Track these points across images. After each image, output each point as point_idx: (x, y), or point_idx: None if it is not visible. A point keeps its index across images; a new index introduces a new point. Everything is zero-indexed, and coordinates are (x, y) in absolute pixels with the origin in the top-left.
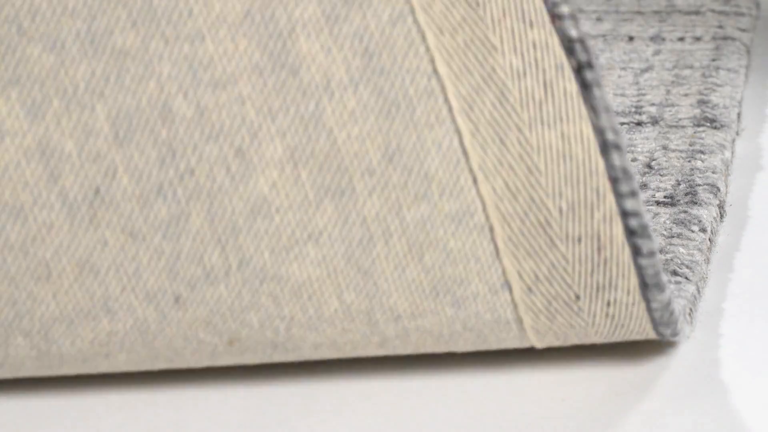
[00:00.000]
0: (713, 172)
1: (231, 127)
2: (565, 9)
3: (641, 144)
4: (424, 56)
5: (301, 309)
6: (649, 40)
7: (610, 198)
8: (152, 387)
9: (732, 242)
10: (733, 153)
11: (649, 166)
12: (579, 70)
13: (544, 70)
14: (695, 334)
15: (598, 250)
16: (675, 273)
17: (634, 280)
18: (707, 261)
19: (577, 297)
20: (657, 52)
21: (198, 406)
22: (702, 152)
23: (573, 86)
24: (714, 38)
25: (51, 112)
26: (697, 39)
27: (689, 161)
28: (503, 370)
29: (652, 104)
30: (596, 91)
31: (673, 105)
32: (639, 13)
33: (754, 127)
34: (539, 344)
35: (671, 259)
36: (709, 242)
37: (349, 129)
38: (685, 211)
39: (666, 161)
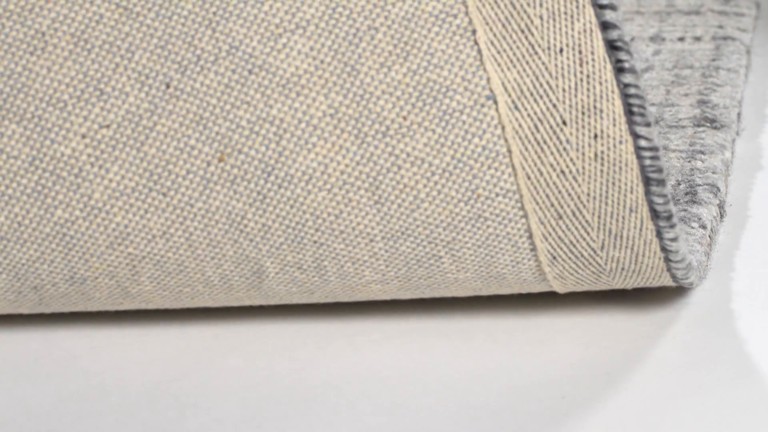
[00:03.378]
0: (713, 173)
1: None
2: None
3: None
4: None
5: (289, 110)
6: (649, 40)
7: (590, 10)
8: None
9: (732, 242)
10: (733, 153)
11: None
12: None
13: None
14: (694, 330)
15: (580, 63)
16: None
17: (618, 105)
18: (707, 254)
19: (564, 122)
20: (657, 52)
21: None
22: (702, 152)
23: None
24: (714, 38)
25: None
26: (697, 39)
27: (689, 161)
28: (515, 330)
29: (652, 104)
30: None
31: (673, 105)
32: (639, 13)
33: (754, 127)
34: (535, 223)
35: None
36: (709, 238)
37: None
38: (685, 210)
39: (666, 161)
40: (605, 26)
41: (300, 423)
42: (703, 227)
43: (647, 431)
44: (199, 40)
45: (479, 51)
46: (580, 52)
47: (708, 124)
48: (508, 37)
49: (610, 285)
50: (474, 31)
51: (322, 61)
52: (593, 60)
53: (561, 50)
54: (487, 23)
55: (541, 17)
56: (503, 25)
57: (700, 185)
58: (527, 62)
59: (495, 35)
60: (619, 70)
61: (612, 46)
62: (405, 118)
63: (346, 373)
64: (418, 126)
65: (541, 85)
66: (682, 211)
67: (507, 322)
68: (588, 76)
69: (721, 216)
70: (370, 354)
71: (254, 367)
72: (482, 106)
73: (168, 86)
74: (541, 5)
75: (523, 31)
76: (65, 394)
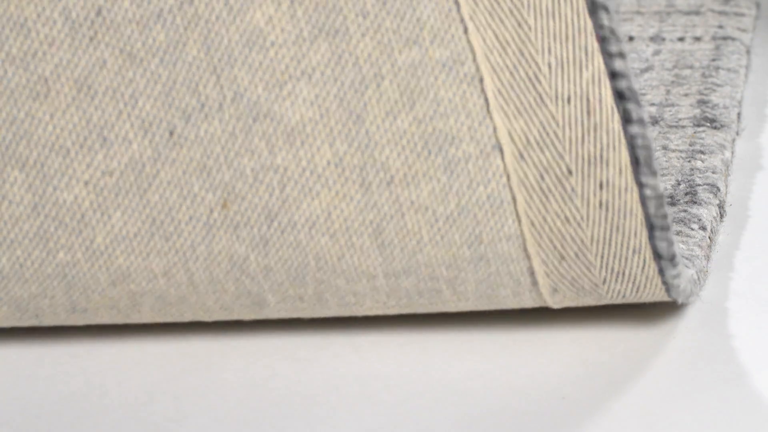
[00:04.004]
0: (713, 172)
1: None
2: None
3: None
4: None
5: (294, 158)
6: (649, 40)
7: (599, 58)
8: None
9: (732, 242)
10: (733, 153)
11: None
12: None
13: None
14: (694, 330)
15: (588, 113)
16: None
17: (624, 155)
18: (707, 257)
19: (570, 172)
20: (657, 52)
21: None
22: (702, 152)
23: None
24: (714, 38)
25: None
26: (697, 39)
27: (689, 161)
28: (515, 330)
29: (652, 104)
30: None
31: (673, 105)
32: (639, 13)
33: (754, 127)
34: (538, 263)
35: None
36: (708, 240)
37: None
38: (685, 210)
39: (666, 161)
40: (614, 75)
41: (300, 423)
42: (703, 229)
43: (647, 431)
44: (203, 87)
45: (486, 100)
46: (588, 102)
47: (708, 124)
48: (515, 86)
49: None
50: (481, 80)
51: (327, 109)
52: (601, 110)
53: (569, 99)
54: (495, 71)
55: (549, 65)
56: (511, 74)
57: (699, 185)
58: (535, 112)
59: (503, 84)
60: (626, 120)
61: (620, 96)
62: (410, 167)
63: (346, 373)
64: (423, 175)
65: (548, 134)
66: (682, 212)
67: (508, 324)
68: (595, 126)
69: (721, 216)
70: (370, 354)
71: (254, 367)
72: (488, 155)
73: (172, 133)
74: (549, 53)
75: (531, 80)
76: (65, 394)
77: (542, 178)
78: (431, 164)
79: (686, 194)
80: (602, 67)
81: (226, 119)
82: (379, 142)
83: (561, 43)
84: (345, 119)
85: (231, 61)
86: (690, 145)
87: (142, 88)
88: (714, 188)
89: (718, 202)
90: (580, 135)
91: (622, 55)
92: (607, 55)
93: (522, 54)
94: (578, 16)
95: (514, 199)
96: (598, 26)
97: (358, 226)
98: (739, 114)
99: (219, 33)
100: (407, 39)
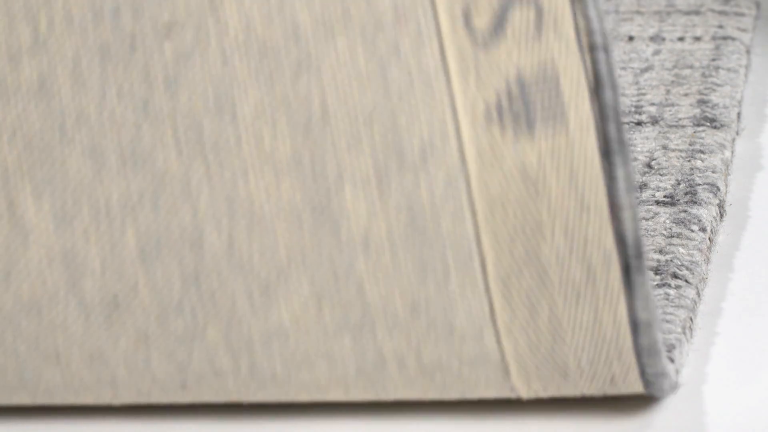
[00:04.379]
0: (713, 172)
1: (260, 264)
2: (625, 200)
3: (641, 144)
4: (470, 230)
5: (307, 397)
6: (649, 40)
7: (630, 347)
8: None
9: (732, 242)
10: (733, 153)
11: (649, 166)
12: (626, 265)
13: (590, 261)
14: (693, 330)
15: (611, 382)
16: (675, 276)
17: (638, 384)
18: (707, 261)
19: (577, 387)
20: (657, 52)
21: None
22: (702, 152)
23: (617, 279)
24: (714, 38)
25: (80, 223)
26: (697, 39)
27: (689, 161)
28: (487, 419)
29: (652, 104)
30: (639, 287)
31: (673, 105)
32: (639, 13)
33: (754, 127)
34: (525, 394)
35: (671, 260)
36: (708, 242)
37: (380, 287)
38: (685, 211)
39: (666, 161)
40: (641, 363)
41: (300, 423)
42: (703, 230)
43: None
44: (219, 362)
45: (511, 382)
46: (611, 375)
47: (708, 124)
48: (543, 379)
49: None
50: (509, 373)
51: (346, 382)
52: (626, 378)
53: (593, 379)
54: (523, 370)
55: (579, 365)
56: (538, 369)
57: (699, 185)
58: (557, 387)
59: (530, 382)
60: (644, 370)
61: (642, 368)
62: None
63: (330, 415)
64: (428, 387)
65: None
66: (682, 212)
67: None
68: (613, 380)
69: (721, 216)
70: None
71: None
72: (497, 373)
73: (184, 386)
74: (582, 354)
75: (560, 375)
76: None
77: (546, 388)
78: (435, 382)
79: (686, 194)
80: (631, 349)
81: (239, 383)
82: (394, 390)
83: (597, 358)
84: (364, 388)
85: (250, 347)
86: (690, 145)
87: (157, 365)
88: (714, 188)
89: (718, 201)
90: (598, 384)
91: (662, 373)
92: (643, 373)
93: (553, 356)
94: (618, 336)
95: (516, 392)
96: (637, 347)
97: (354, 388)
98: (739, 114)
99: (240, 327)
100: (436, 340)
